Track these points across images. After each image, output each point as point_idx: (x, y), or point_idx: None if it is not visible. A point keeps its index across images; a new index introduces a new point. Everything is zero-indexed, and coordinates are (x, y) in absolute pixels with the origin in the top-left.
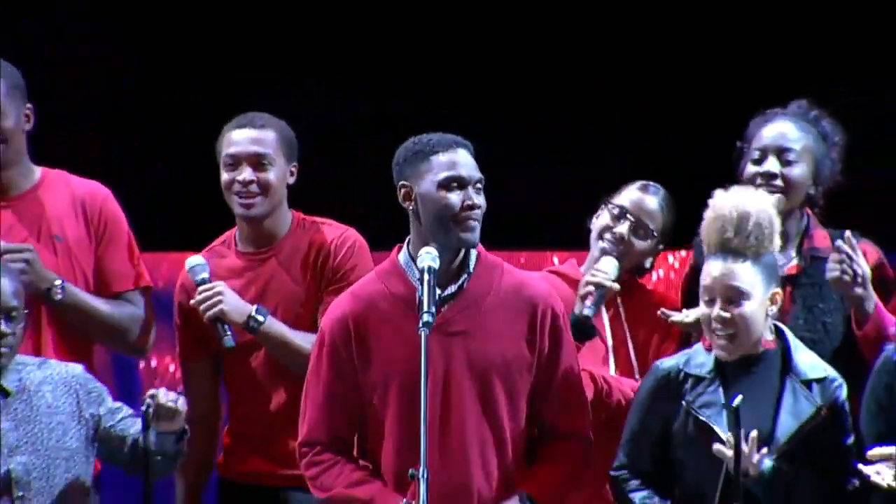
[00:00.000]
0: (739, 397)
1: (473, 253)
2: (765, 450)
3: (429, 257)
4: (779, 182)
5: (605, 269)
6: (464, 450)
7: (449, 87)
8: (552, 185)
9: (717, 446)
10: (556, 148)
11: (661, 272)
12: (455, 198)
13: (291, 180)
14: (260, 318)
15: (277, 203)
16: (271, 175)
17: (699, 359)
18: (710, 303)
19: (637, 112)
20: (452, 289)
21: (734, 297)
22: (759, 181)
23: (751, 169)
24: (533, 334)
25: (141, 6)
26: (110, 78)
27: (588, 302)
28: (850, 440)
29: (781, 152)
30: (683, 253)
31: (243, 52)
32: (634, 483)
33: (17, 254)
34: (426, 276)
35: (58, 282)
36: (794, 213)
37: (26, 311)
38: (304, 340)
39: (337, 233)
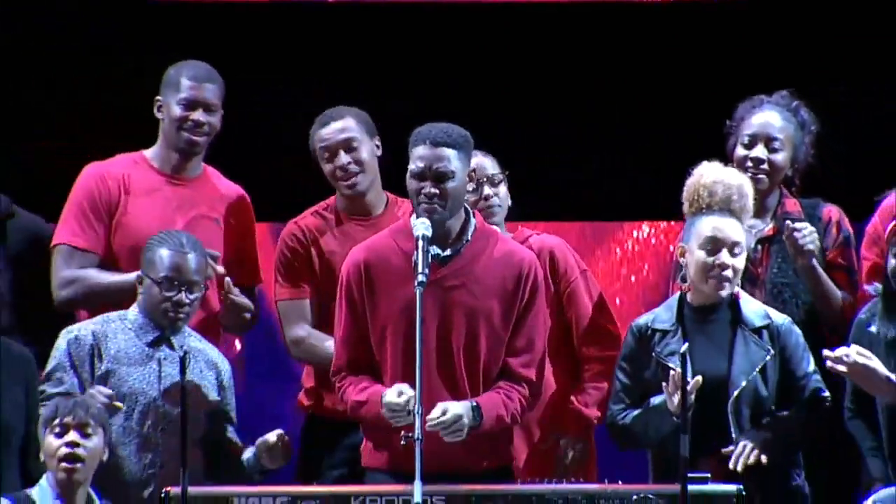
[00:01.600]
0: (686, 345)
1: (473, 222)
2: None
3: (422, 226)
4: (765, 166)
5: None
6: (451, 383)
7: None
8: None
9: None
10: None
11: (627, 244)
12: (416, 185)
13: (379, 153)
14: None
15: (374, 177)
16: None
17: (663, 315)
18: (714, 252)
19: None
20: (450, 251)
21: (735, 247)
22: (748, 164)
23: (741, 152)
24: (515, 292)
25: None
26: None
27: None
28: (805, 373)
29: (768, 140)
30: (646, 228)
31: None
32: (626, 412)
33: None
34: (420, 243)
35: (248, 315)
36: (773, 190)
37: (205, 287)
38: None
39: None
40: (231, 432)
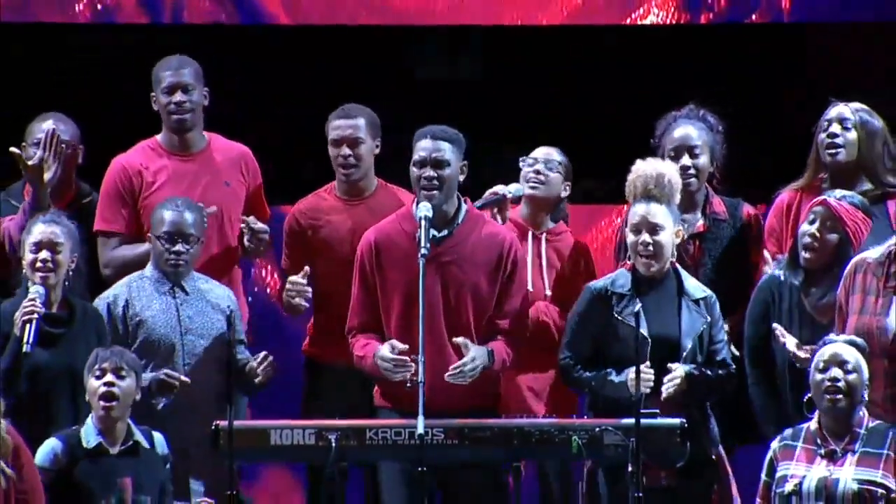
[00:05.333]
0: (638, 304)
1: (464, 208)
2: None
3: (424, 208)
4: (692, 171)
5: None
6: (443, 343)
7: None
8: None
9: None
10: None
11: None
12: (417, 172)
13: (377, 151)
14: None
15: (367, 168)
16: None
17: (620, 281)
18: (637, 233)
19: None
20: (445, 232)
21: (654, 228)
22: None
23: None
24: (499, 265)
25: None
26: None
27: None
28: (722, 340)
29: (690, 149)
30: None
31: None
32: (579, 366)
33: (264, 234)
34: (423, 223)
35: (266, 236)
36: (700, 188)
37: (202, 240)
38: None
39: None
40: (242, 352)
